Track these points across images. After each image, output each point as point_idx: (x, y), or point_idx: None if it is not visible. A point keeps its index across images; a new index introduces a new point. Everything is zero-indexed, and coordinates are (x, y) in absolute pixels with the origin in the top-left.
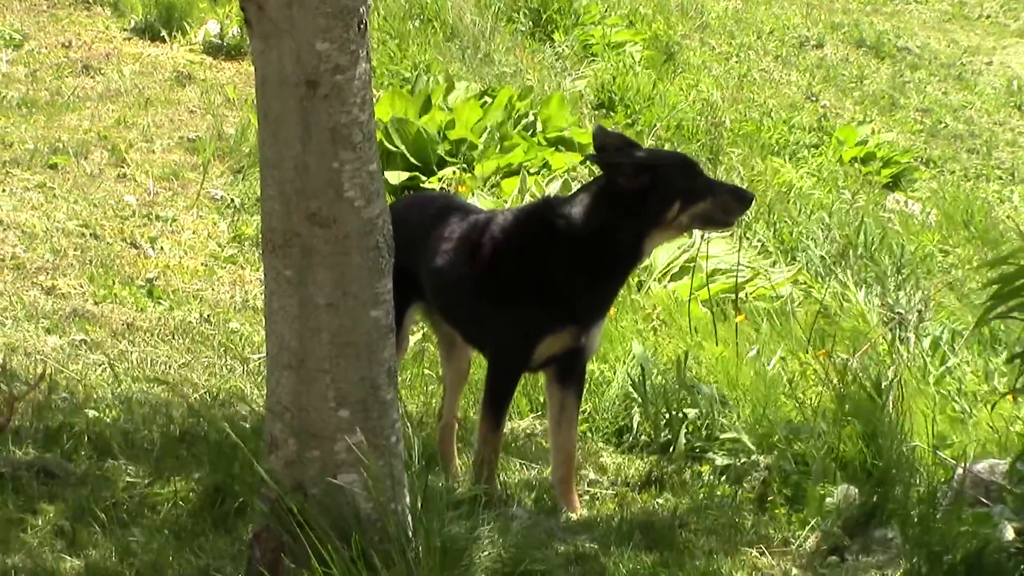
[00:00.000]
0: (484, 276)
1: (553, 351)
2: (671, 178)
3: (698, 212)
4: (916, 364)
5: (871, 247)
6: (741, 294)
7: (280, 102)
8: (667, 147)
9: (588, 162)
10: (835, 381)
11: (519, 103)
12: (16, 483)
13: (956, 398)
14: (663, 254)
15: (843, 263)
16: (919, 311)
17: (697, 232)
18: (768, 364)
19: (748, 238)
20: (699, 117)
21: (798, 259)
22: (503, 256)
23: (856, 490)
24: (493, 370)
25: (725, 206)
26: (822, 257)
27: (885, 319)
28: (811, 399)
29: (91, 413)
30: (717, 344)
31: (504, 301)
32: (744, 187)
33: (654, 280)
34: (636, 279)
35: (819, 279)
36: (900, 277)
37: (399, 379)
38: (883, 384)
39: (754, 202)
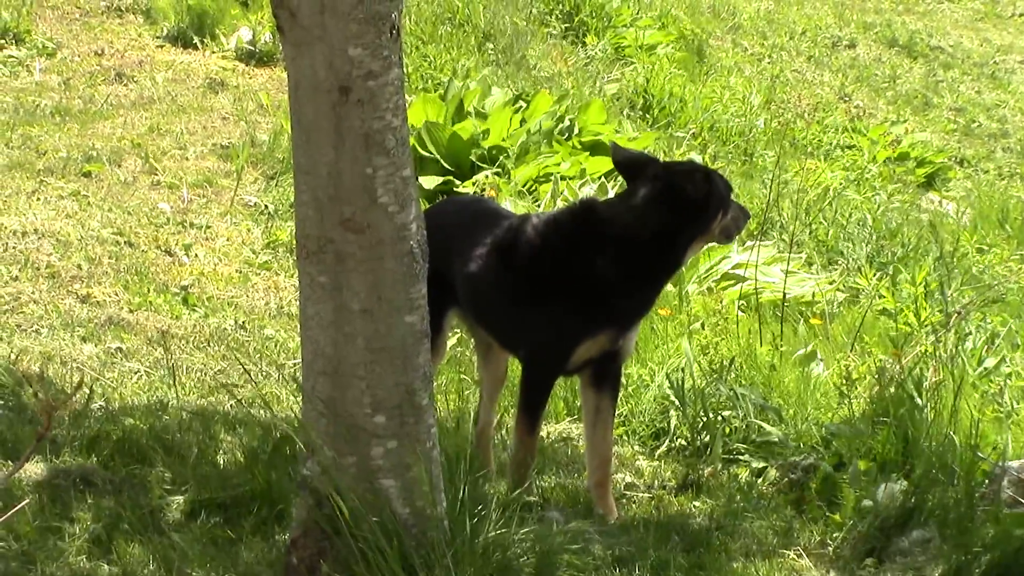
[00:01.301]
0: (521, 278)
1: (591, 354)
2: (721, 188)
3: (727, 223)
4: (956, 364)
5: (909, 248)
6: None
7: (313, 108)
8: (705, 148)
9: (619, 172)
10: (876, 382)
11: (556, 107)
12: (53, 491)
13: (997, 398)
14: (703, 264)
15: (882, 264)
16: (959, 311)
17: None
18: (813, 368)
19: (784, 240)
20: (733, 119)
21: (838, 261)
22: (541, 258)
23: (898, 488)
24: (529, 373)
25: (737, 220)
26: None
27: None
28: (852, 401)
29: (128, 421)
30: (762, 344)
31: (542, 303)
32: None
33: (692, 284)
34: (676, 285)
35: (860, 281)
36: (940, 277)
37: (435, 384)
38: (923, 385)
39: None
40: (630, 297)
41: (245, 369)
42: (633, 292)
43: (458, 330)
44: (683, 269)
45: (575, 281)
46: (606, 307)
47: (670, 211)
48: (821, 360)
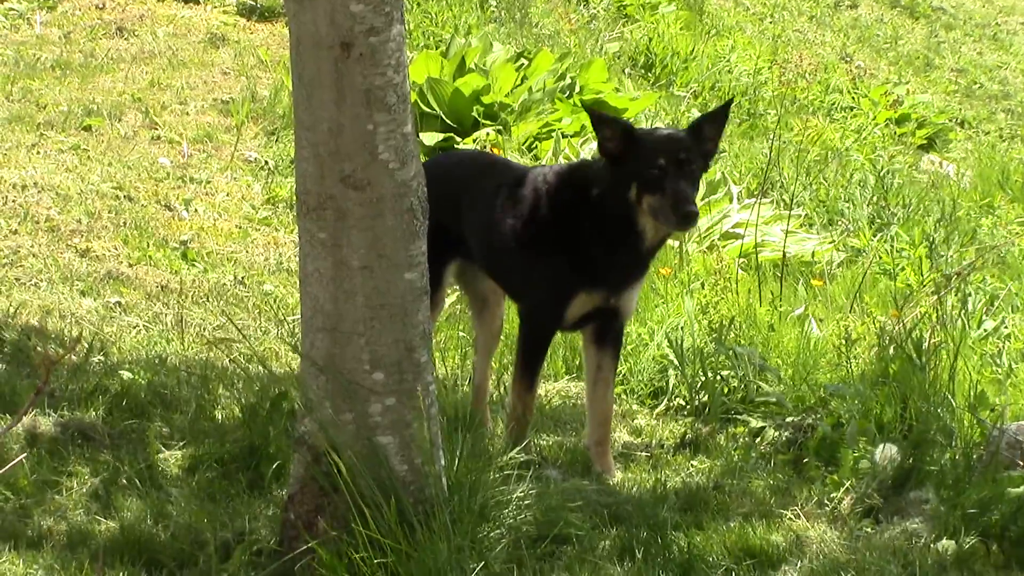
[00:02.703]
0: (523, 230)
1: (586, 310)
2: (646, 154)
3: (654, 201)
4: (956, 326)
5: (909, 209)
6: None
7: (314, 64)
8: (706, 108)
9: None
10: (875, 343)
11: (557, 65)
12: (51, 445)
13: (996, 360)
14: (704, 220)
15: (883, 225)
16: (958, 272)
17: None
18: (809, 327)
19: (784, 200)
20: (735, 79)
21: (838, 221)
22: (540, 212)
23: (896, 448)
24: (527, 326)
25: (663, 207)
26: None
27: (926, 281)
28: (852, 361)
29: (126, 375)
30: (761, 304)
31: (541, 255)
32: (690, 207)
33: (692, 243)
34: (676, 243)
35: (860, 240)
36: (940, 238)
37: (434, 341)
38: (923, 346)
39: (691, 225)
40: (605, 257)
41: (237, 327)
42: (606, 253)
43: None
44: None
45: (567, 237)
46: (592, 266)
47: (604, 168)
48: (818, 321)
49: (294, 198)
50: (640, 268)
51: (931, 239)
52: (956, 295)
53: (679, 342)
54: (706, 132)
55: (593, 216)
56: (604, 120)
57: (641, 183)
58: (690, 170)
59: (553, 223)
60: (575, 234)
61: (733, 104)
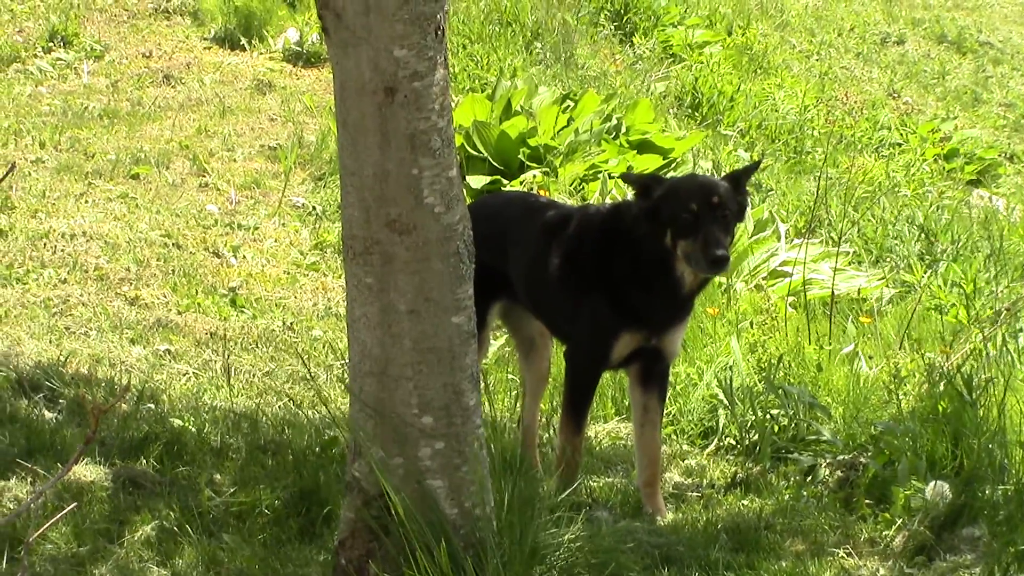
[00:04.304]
0: (567, 269)
1: (629, 350)
2: (676, 208)
3: (688, 248)
4: (1006, 361)
5: (959, 245)
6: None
7: (359, 109)
8: (752, 146)
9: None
10: (925, 380)
11: (604, 106)
12: (102, 494)
13: None
14: (752, 259)
15: (932, 261)
16: (1008, 308)
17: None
18: (859, 365)
19: (832, 237)
20: (782, 117)
21: (886, 258)
22: (583, 251)
23: (947, 485)
24: (572, 367)
25: (696, 253)
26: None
27: (977, 318)
28: (902, 398)
29: (176, 423)
30: (810, 342)
31: (583, 296)
32: (720, 251)
33: (740, 281)
34: (723, 283)
35: (910, 277)
36: (991, 275)
37: (482, 383)
38: (973, 382)
39: (721, 270)
40: (650, 301)
41: (293, 371)
42: (649, 296)
43: (504, 330)
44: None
45: (609, 277)
46: (634, 306)
47: (636, 218)
48: (867, 358)
49: (341, 243)
50: (682, 310)
51: (980, 274)
52: (1006, 330)
53: (728, 381)
54: (743, 184)
55: (633, 258)
56: (634, 179)
57: (675, 229)
58: (722, 215)
59: (596, 263)
60: (616, 273)
61: (780, 142)
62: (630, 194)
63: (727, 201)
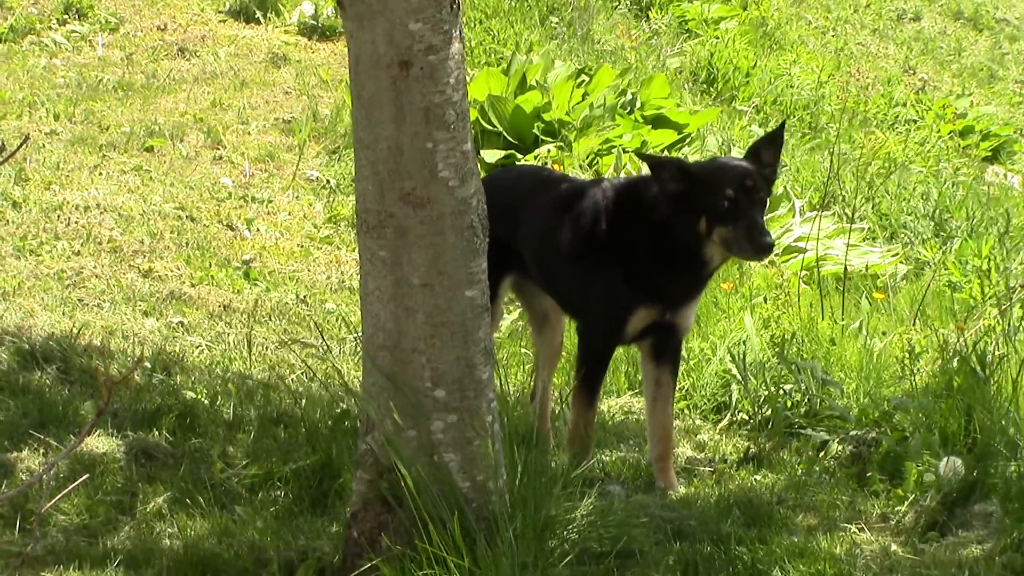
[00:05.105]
0: (580, 244)
1: (643, 325)
2: (706, 193)
3: (726, 234)
4: (1020, 338)
5: (973, 221)
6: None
7: (373, 83)
8: (767, 122)
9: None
10: (938, 356)
11: (619, 81)
12: (115, 465)
13: None
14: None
15: (947, 238)
16: (1022, 284)
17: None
18: (872, 341)
19: (847, 213)
20: (798, 92)
21: (900, 234)
22: (598, 226)
23: (960, 461)
24: (585, 343)
25: (737, 238)
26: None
27: (992, 293)
28: (915, 374)
29: (189, 395)
30: (823, 319)
31: (597, 271)
32: (767, 238)
33: None
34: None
35: (924, 252)
36: (1005, 251)
37: (496, 358)
38: (986, 358)
39: (768, 255)
40: (667, 277)
41: (304, 343)
42: (667, 274)
43: (518, 304)
44: (712, 266)
45: (624, 252)
46: (649, 282)
47: (662, 202)
48: (880, 334)
49: (355, 216)
50: (698, 287)
51: (995, 251)
52: (1021, 306)
53: (741, 357)
54: (764, 157)
55: (653, 237)
56: (660, 163)
57: (711, 216)
58: (759, 198)
59: (610, 238)
60: (633, 250)
61: (795, 118)
62: (645, 169)
63: (760, 183)
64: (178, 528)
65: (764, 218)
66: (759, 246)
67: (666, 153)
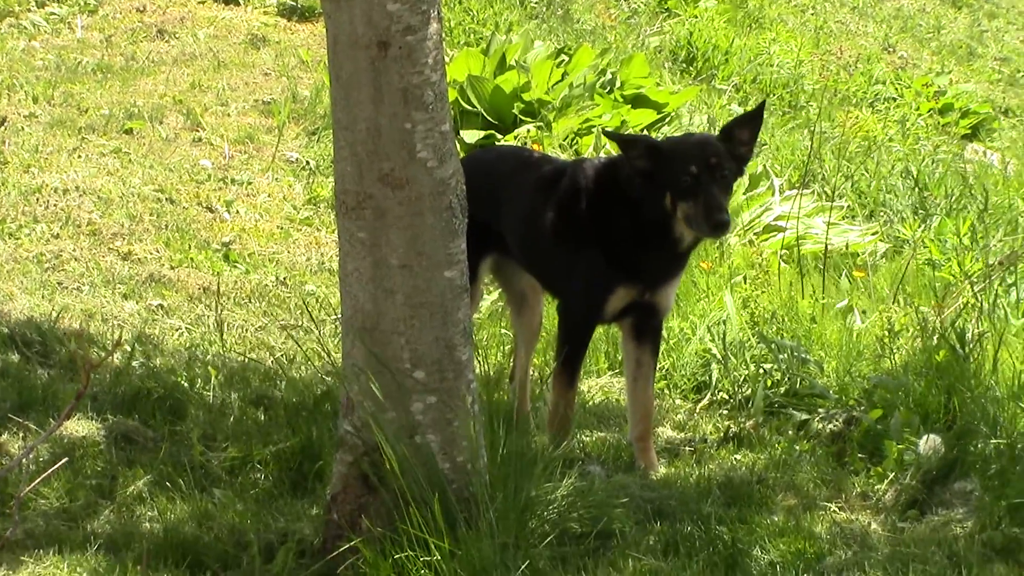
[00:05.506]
0: (560, 224)
1: (622, 304)
2: (675, 171)
3: (689, 211)
4: (998, 315)
5: (952, 199)
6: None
7: (352, 63)
8: (747, 101)
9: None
10: (918, 334)
11: (598, 61)
12: (94, 448)
13: None
14: (746, 214)
15: (926, 216)
16: (1001, 262)
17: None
18: (852, 319)
19: (827, 192)
20: (777, 71)
21: (880, 213)
22: (578, 206)
23: (940, 440)
24: (565, 322)
25: (696, 215)
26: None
27: (971, 272)
28: (895, 353)
29: (169, 378)
30: (803, 296)
31: (577, 250)
32: (723, 216)
33: (734, 236)
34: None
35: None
36: (984, 228)
37: (474, 338)
38: (966, 336)
39: (723, 234)
40: (645, 257)
41: (286, 326)
42: (644, 253)
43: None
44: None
45: (604, 232)
46: (628, 261)
47: (631, 178)
48: (860, 312)
49: (334, 198)
50: (677, 266)
51: (975, 229)
52: (1000, 284)
53: (721, 336)
54: (738, 136)
55: (629, 214)
56: (628, 140)
57: (674, 192)
58: (722, 175)
59: (591, 218)
60: (611, 229)
61: (775, 96)
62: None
63: (725, 160)
64: (158, 511)
65: (727, 197)
66: (714, 223)
67: (645, 133)
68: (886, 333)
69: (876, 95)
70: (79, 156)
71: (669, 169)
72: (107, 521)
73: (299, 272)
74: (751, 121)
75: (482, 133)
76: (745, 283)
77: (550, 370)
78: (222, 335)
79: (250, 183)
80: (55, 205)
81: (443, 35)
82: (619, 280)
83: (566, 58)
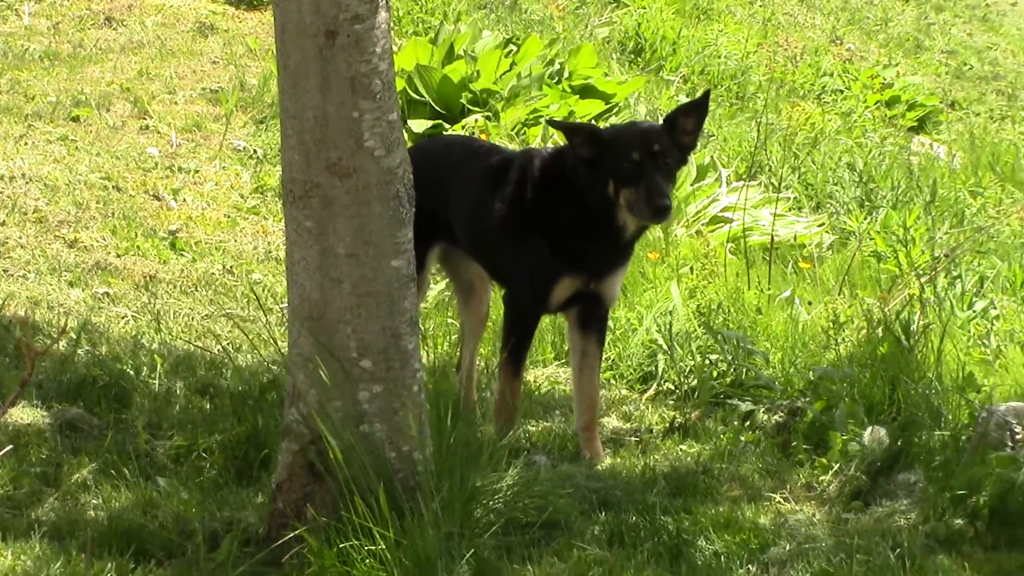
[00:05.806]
0: (507, 213)
1: (568, 294)
2: (618, 157)
3: (631, 197)
4: (943, 307)
5: (899, 191)
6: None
7: (299, 52)
8: (694, 92)
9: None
10: (863, 325)
11: (546, 51)
12: (39, 437)
13: (984, 341)
14: (693, 205)
15: (872, 208)
16: (946, 254)
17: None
18: (798, 310)
19: (773, 183)
20: (724, 62)
21: (827, 204)
22: (525, 196)
23: (884, 431)
24: (511, 311)
25: (638, 202)
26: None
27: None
28: (840, 344)
29: (114, 366)
30: (749, 287)
31: (523, 239)
32: (663, 201)
33: (680, 227)
34: (663, 229)
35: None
36: (930, 220)
37: (422, 328)
38: (911, 328)
39: (664, 219)
40: (590, 246)
41: (232, 314)
42: (590, 242)
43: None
44: (628, 232)
45: (550, 222)
46: (574, 250)
47: (575, 167)
48: (806, 304)
49: (281, 187)
50: (622, 256)
51: (920, 221)
52: (945, 277)
53: (668, 327)
54: (682, 124)
55: (574, 204)
56: (572, 128)
57: (617, 179)
58: (664, 163)
59: (537, 208)
60: (557, 218)
61: (722, 88)
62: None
63: (668, 148)
64: (103, 500)
65: (669, 184)
66: (655, 207)
67: (592, 122)
68: (831, 325)
69: (824, 87)
70: (25, 143)
71: (612, 156)
72: (51, 509)
73: (246, 261)
74: (696, 110)
75: (430, 123)
76: (692, 274)
77: (497, 360)
78: (159, 324)
79: (197, 171)
80: (1, 192)
81: (391, 24)
82: (564, 270)
83: (514, 48)
